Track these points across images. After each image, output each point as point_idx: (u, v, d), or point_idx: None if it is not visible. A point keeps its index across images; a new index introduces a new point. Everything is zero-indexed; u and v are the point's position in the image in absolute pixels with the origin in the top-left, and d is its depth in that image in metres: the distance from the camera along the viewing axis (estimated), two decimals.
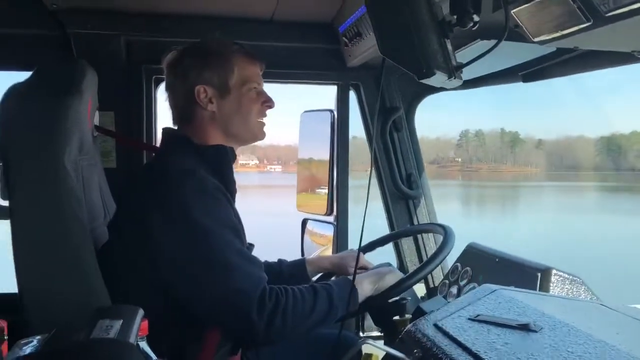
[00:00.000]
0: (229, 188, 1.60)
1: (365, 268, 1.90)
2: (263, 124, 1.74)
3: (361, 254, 1.96)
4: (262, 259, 1.90)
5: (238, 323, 1.45)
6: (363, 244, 2.02)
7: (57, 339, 0.89)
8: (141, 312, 0.96)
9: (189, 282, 1.46)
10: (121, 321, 0.87)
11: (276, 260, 2.00)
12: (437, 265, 1.67)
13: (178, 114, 1.70)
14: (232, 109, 1.68)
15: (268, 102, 1.73)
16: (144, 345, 1.01)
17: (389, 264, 1.88)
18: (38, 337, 0.93)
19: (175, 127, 1.73)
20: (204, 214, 1.47)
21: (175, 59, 1.69)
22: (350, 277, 1.62)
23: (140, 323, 0.95)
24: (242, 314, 1.42)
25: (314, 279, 2.00)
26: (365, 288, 1.61)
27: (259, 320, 1.41)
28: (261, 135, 1.76)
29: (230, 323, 1.47)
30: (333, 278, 1.99)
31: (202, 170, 1.55)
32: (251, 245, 1.70)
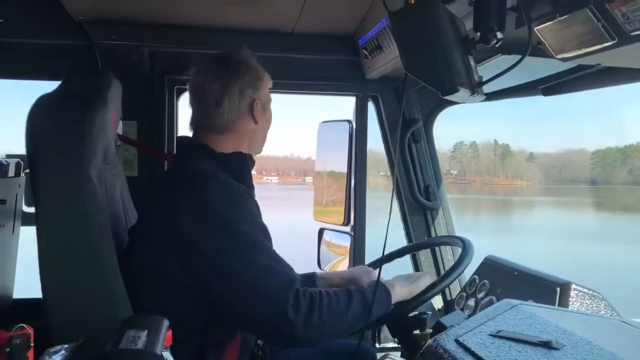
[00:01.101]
0: (249, 193, 1.62)
1: None
2: None
3: (371, 269, 1.95)
4: None
5: (276, 323, 1.43)
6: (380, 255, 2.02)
7: (86, 348, 0.90)
8: (166, 322, 0.97)
9: (222, 282, 1.46)
10: (147, 332, 0.89)
11: None
12: (460, 274, 1.67)
13: (217, 124, 1.67)
14: (267, 123, 1.76)
15: None
16: (167, 355, 1.02)
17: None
18: (66, 345, 0.95)
19: (190, 135, 1.73)
20: (234, 216, 1.49)
21: (228, 72, 1.67)
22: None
23: (165, 333, 0.97)
24: (279, 313, 1.41)
25: None
26: (397, 291, 1.61)
27: (296, 318, 1.41)
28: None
29: (268, 323, 1.46)
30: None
31: (222, 174, 1.57)
32: None
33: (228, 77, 1.66)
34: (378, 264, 2.01)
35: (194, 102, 1.71)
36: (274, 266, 1.47)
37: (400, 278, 1.67)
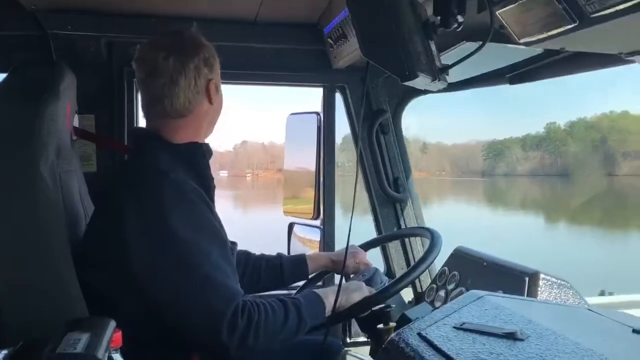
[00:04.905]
0: (206, 185, 1.56)
1: (365, 264, 1.92)
2: None
3: (362, 250, 1.97)
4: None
5: (209, 341, 1.41)
6: (359, 243, 2.01)
7: (23, 353, 0.85)
8: (113, 323, 0.92)
9: (163, 292, 1.41)
10: (89, 334, 0.83)
11: (275, 254, 1.98)
12: (408, 284, 1.65)
13: (175, 107, 1.57)
14: (220, 104, 1.69)
15: None
16: (117, 357, 0.97)
17: (376, 269, 1.85)
18: (4, 351, 0.89)
19: (144, 125, 1.66)
20: (182, 223, 1.42)
21: (184, 50, 1.57)
22: (317, 290, 1.62)
23: (111, 335, 0.92)
24: (213, 332, 1.38)
25: (311, 276, 1.99)
26: (331, 302, 1.58)
27: (229, 340, 1.38)
28: None
29: (200, 339, 1.43)
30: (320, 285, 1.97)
31: (178, 170, 1.50)
32: (234, 244, 1.66)
33: (184, 52, 1.56)
34: (366, 246, 2.04)
35: (146, 82, 1.58)
36: (215, 278, 1.41)
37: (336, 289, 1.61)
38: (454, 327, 1.07)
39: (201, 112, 1.61)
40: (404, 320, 1.45)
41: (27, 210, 1.42)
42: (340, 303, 1.57)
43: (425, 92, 2.38)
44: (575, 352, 0.97)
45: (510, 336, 1.02)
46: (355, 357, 0.97)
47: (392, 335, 1.09)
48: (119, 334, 0.96)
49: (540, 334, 1.05)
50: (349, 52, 2.09)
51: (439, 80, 1.19)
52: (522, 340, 1.01)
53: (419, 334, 1.04)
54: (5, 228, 1.42)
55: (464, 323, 1.09)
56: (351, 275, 1.87)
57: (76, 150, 1.88)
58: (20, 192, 1.41)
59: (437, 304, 1.95)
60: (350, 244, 1.63)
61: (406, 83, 1.14)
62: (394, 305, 1.58)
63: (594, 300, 2.74)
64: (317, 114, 2.45)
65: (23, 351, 0.86)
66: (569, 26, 1.09)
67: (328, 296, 1.58)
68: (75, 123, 1.86)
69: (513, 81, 2.08)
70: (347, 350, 1.03)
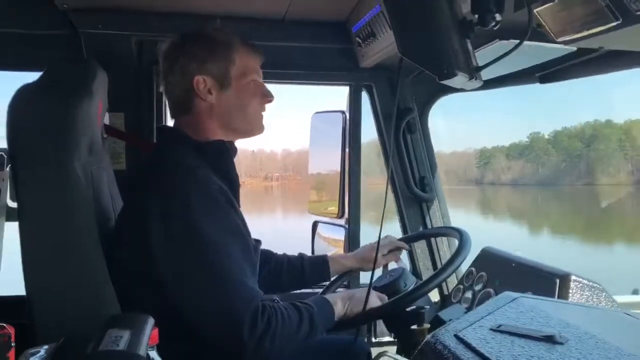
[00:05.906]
0: (231, 185, 1.57)
1: (402, 248, 1.98)
2: (262, 117, 1.70)
3: (393, 236, 2.00)
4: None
5: (228, 340, 1.41)
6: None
7: (65, 350, 0.85)
8: (151, 321, 0.92)
9: (184, 289, 1.43)
10: (130, 331, 0.84)
11: (296, 255, 1.98)
12: (422, 296, 1.63)
13: (174, 105, 1.64)
14: (232, 101, 1.62)
15: (268, 97, 1.69)
16: (154, 354, 0.98)
17: (403, 269, 1.84)
18: (45, 346, 0.90)
19: (171, 124, 1.68)
20: (206, 221, 1.43)
21: (175, 47, 1.62)
22: (327, 295, 1.64)
23: (150, 332, 0.92)
24: (233, 330, 1.38)
25: (333, 278, 1.99)
26: (339, 308, 1.59)
27: (249, 340, 1.38)
28: (260, 130, 1.70)
29: (220, 339, 1.43)
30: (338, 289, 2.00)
31: (204, 167, 1.51)
32: (258, 242, 1.67)
33: (174, 52, 1.60)
34: (405, 240, 2.06)
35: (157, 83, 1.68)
36: (237, 277, 1.42)
37: (346, 296, 1.62)
38: (491, 329, 1.06)
39: (201, 109, 1.61)
40: (437, 322, 1.44)
41: (60, 206, 1.44)
42: (345, 312, 1.59)
43: (452, 91, 2.36)
44: (618, 358, 0.95)
45: (549, 339, 1.00)
46: (392, 358, 0.96)
47: (428, 337, 1.07)
48: (156, 331, 0.97)
49: (580, 337, 1.03)
50: (377, 51, 2.07)
51: (475, 79, 1.18)
52: (561, 344, 1.00)
53: (456, 336, 1.03)
54: (39, 224, 1.44)
55: (500, 325, 1.07)
56: (382, 267, 1.87)
57: (107, 148, 1.90)
58: (53, 188, 1.43)
59: (464, 305, 1.93)
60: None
61: (443, 82, 1.13)
62: (428, 307, 1.56)
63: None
64: (342, 112, 2.45)
65: (64, 347, 0.86)
66: (611, 24, 1.07)
67: (337, 303, 1.59)
68: (106, 121, 1.88)
69: (543, 80, 2.06)
70: (383, 352, 1.02)
